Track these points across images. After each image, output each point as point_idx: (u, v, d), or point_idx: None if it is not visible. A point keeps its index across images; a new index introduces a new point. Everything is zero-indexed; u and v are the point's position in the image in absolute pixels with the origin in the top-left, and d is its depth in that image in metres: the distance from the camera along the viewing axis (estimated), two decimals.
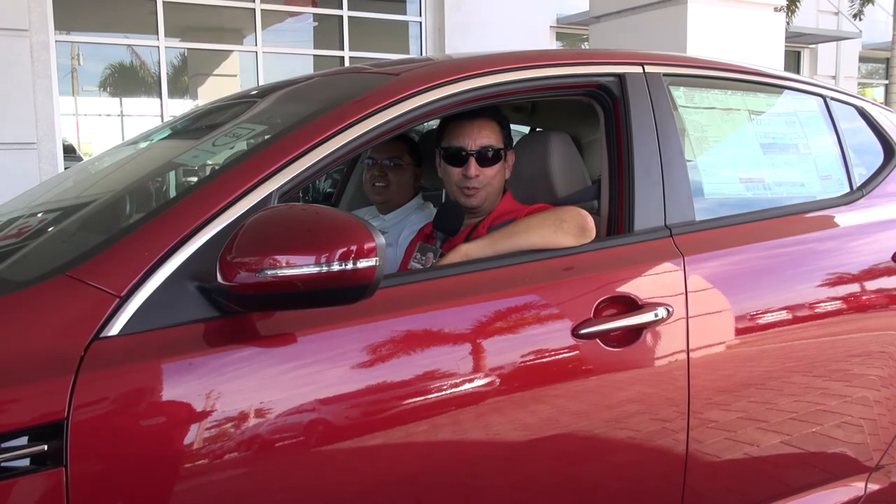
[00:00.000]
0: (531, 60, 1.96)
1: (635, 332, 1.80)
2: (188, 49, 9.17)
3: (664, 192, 1.98)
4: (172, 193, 1.60)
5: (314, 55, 9.36)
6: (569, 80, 2.01)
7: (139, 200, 1.65)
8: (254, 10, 8.61)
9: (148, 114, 9.01)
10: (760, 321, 2.01)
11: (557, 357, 1.72)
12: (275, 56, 8.75)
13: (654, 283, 1.89)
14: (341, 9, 8.85)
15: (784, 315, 2.05)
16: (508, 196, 2.21)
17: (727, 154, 2.20)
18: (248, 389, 1.42)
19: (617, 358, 1.78)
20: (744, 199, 2.17)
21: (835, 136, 2.41)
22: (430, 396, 1.57)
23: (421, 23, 8.99)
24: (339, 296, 1.38)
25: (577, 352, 1.73)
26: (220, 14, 8.94)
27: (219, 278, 1.36)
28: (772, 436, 2.04)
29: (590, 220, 1.87)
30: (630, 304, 1.81)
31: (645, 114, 2.02)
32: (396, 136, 2.63)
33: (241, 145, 1.66)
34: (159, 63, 8.60)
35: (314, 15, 9.22)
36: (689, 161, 2.07)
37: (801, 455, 2.11)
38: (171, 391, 1.37)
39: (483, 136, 2.12)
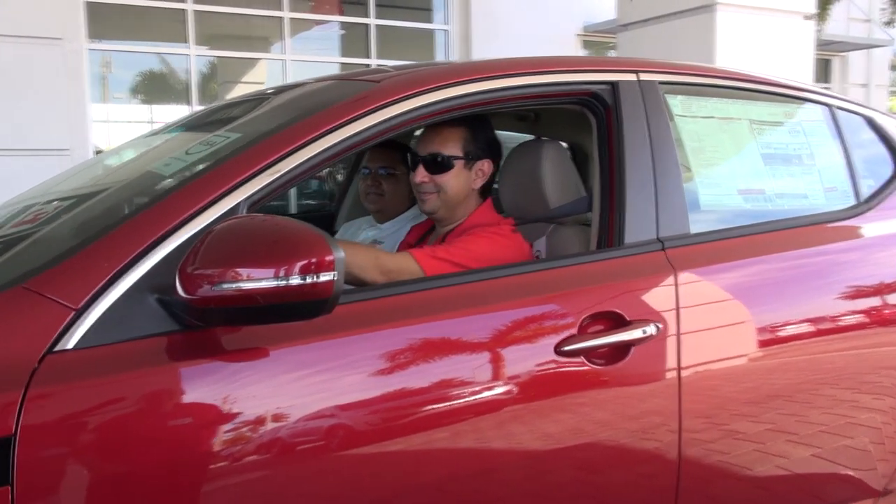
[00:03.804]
0: (519, 68, 1.92)
1: (622, 350, 1.74)
2: (217, 57, 9.24)
3: (657, 204, 1.92)
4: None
5: (341, 63, 9.38)
6: (559, 89, 1.97)
7: (107, 210, 1.63)
8: (282, 18, 8.66)
9: None
10: (757, 338, 1.95)
11: (539, 374, 1.67)
12: (302, 64, 8.78)
13: (644, 298, 1.83)
14: (368, 17, 8.88)
15: (782, 332, 1.99)
16: (486, 206, 2.18)
17: (725, 164, 2.13)
18: (210, 405, 1.39)
19: (603, 376, 1.72)
20: (743, 212, 2.10)
21: (841, 147, 2.33)
22: (394, 418, 1.53)
23: (447, 31, 8.99)
24: (298, 311, 1.34)
25: (560, 369, 1.67)
26: (249, 22, 8.99)
27: (178, 291, 1.33)
28: (768, 457, 1.97)
29: (403, 277, 1.89)
30: (617, 321, 1.75)
31: (638, 123, 1.97)
32: (390, 145, 2.61)
33: (214, 154, 1.64)
34: (189, 71, 8.68)
35: (341, 23, 9.25)
36: (685, 172, 2.02)
37: (793, 479, 2.03)
38: (128, 407, 1.34)
39: (436, 143, 2.12)
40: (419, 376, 1.56)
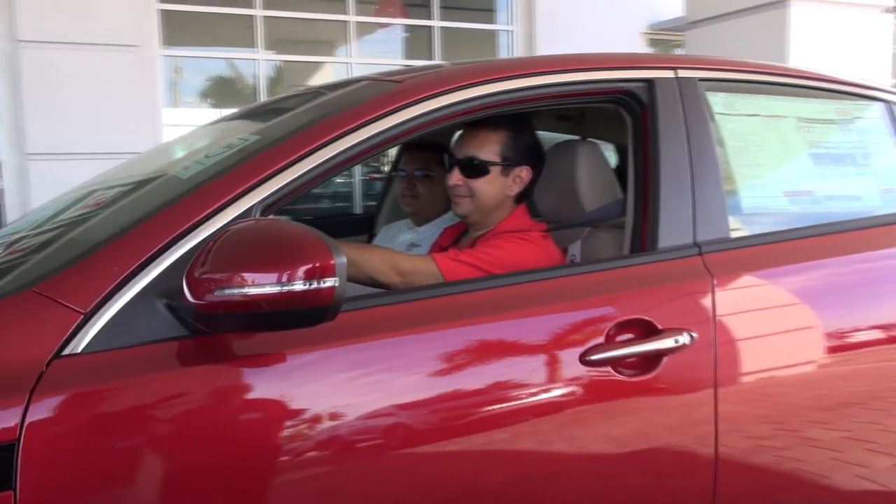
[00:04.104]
0: (547, 66, 1.86)
1: (653, 360, 1.67)
2: (284, 61, 9.34)
3: (694, 207, 1.84)
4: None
5: (405, 65, 9.40)
6: (591, 87, 1.90)
7: (120, 214, 1.63)
8: (347, 22, 8.71)
9: None
10: (799, 349, 1.85)
11: (563, 384, 1.60)
12: (367, 67, 8.81)
13: (678, 305, 1.75)
14: (431, 19, 8.86)
15: (826, 343, 1.88)
16: (520, 212, 2.11)
17: (770, 165, 2.04)
18: (222, 413, 1.38)
19: (632, 387, 1.65)
20: (789, 215, 2.01)
21: None
22: (418, 425, 1.49)
23: (511, 31, 8.92)
24: (300, 318, 1.31)
25: (585, 379, 1.61)
26: (315, 27, 9.07)
27: (186, 296, 1.32)
28: (813, 475, 1.86)
29: (424, 282, 1.85)
30: (648, 329, 1.68)
31: (675, 122, 1.89)
32: (426, 146, 2.58)
33: (230, 157, 1.62)
34: (257, 75, 8.79)
35: (405, 26, 9.26)
36: (726, 173, 1.93)
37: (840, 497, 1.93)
38: (135, 412, 1.33)
39: (473, 146, 2.06)
40: (426, 386, 1.52)
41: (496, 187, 2.08)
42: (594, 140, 2.24)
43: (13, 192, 7.15)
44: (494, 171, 2.06)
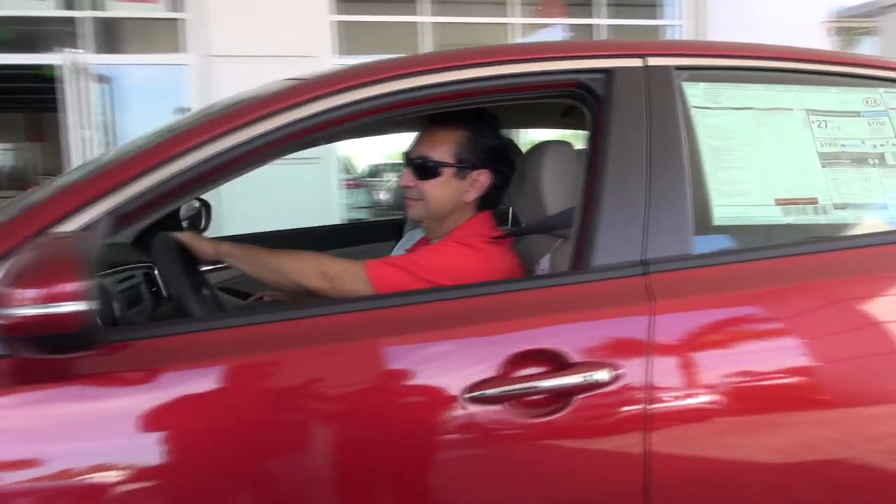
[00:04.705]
0: (484, 57, 1.66)
1: (561, 399, 1.44)
2: None
3: (646, 218, 1.58)
4: None
5: None
6: (536, 80, 1.68)
7: None
8: (510, 24, 8.61)
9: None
10: (765, 399, 1.54)
11: (441, 422, 1.41)
12: None
13: (599, 335, 1.50)
14: (594, 17, 8.57)
15: (808, 394, 1.56)
16: (480, 220, 1.92)
17: (760, 168, 1.72)
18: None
19: (532, 429, 1.43)
20: (781, 227, 1.69)
21: None
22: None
23: (679, 26, 8.45)
24: (52, 343, 1.22)
25: (469, 418, 1.40)
26: (479, 31, 9.03)
27: None
28: None
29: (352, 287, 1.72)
30: (557, 362, 1.45)
31: (632, 118, 1.65)
32: None
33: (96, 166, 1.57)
34: None
35: (568, 25, 9.02)
36: (698, 177, 1.66)
37: None
38: None
39: (427, 146, 1.89)
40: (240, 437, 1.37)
41: (449, 191, 1.91)
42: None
43: None
44: (447, 173, 1.90)
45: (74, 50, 7.47)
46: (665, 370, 1.48)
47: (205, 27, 7.49)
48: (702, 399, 1.50)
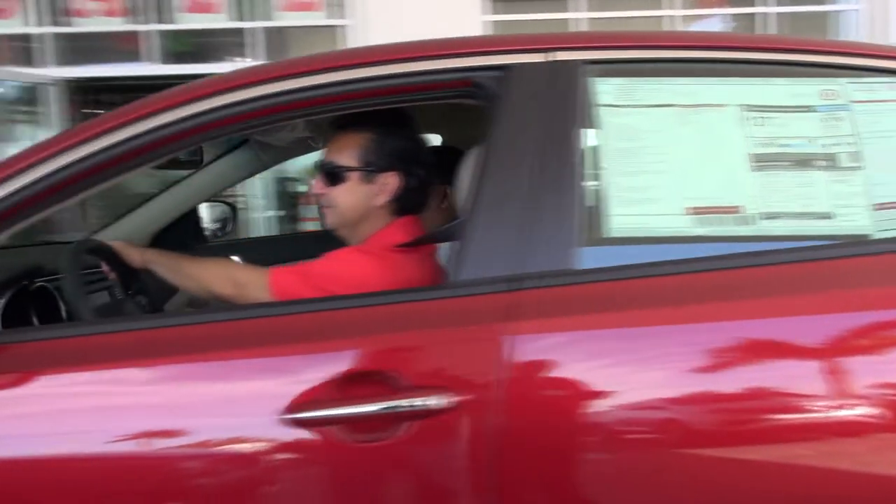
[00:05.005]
0: (365, 57, 1.59)
1: (391, 424, 1.35)
2: None
3: (524, 228, 1.46)
4: None
5: None
6: (428, 79, 1.58)
7: None
8: (668, 17, 8.25)
9: None
10: (635, 435, 1.37)
11: (257, 446, 1.36)
12: None
13: (441, 357, 1.39)
14: (756, 6, 8.02)
15: (711, 427, 1.37)
16: (396, 227, 1.84)
17: (674, 172, 1.53)
18: None
19: (359, 454, 1.35)
20: (694, 239, 1.49)
21: None
22: None
23: (855, 11, 7.71)
24: None
25: (289, 440, 1.35)
26: (636, 25, 8.71)
27: None
28: None
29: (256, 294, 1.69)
30: (390, 385, 1.36)
31: (525, 117, 1.53)
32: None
33: None
34: None
35: (729, 15, 8.49)
36: (597, 183, 1.51)
37: None
38: None
39: (334, 150, 1.84)
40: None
41: (357, 196, 1.83)
42: None
43: None
44: (354, 177, 1.83)
45: (243, 59, 7.96)
46: (517, 399, 1.35)
47: (364, 32, 7.71)
48: (556, 433, 1.35)
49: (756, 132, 1.55)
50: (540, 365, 1.37)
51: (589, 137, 1.52)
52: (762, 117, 1.56)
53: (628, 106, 1.56)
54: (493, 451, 1.34)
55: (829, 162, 1.54)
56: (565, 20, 8.53)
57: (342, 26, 8.16)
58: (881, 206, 1.51)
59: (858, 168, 1.54)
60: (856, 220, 1.51)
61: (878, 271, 1.45)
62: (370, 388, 1.36)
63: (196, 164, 2.31)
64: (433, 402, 1.33)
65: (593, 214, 1.48)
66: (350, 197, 1.83)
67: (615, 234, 1.48)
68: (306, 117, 1.73)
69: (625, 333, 1.40)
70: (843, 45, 1.64)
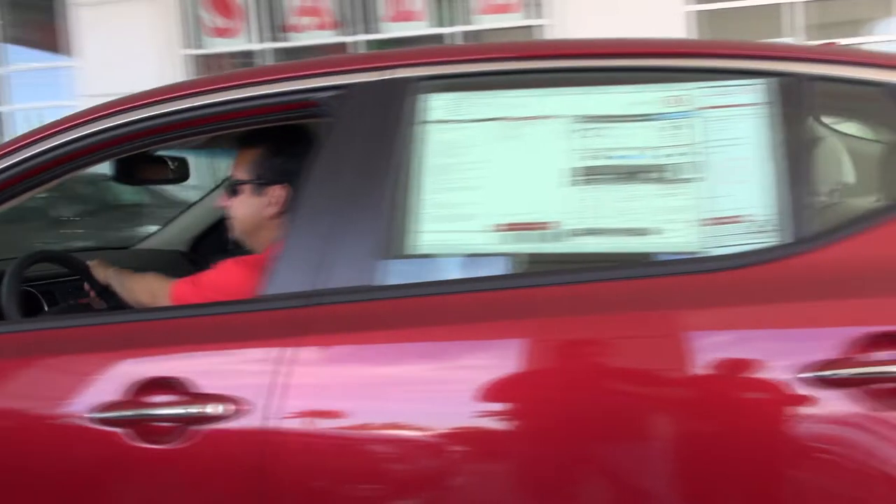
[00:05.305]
0: (210, 84, 1.65)
1: (176, 428, 1.42)
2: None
3: (326, 245, 1.48)
4: None
5: None
6: (273, 101, 1.61)
7: None
8: None
9: None
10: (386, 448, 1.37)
11: (71, 444, 1.48)
12: None
13: (225, 368, 1.46)
14: None
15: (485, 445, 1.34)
16: None
17: (489, 188, 1.46)
18: None
19: (149, 456, 1.43)
20: (501, 256, 1.43)
21: (791, 145, 1.36)
22: None
23: None
24: None
25: (93, 439, 1.46)
26: (855, 6, 7.98)
27: None
28: None
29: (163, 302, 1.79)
30: (180, 391, 1.43)
31: (346, 137, 1.53)
32: None
33: None
34: None
35: None
36: (410, 200, 1.48)
37: None
38: None
39: (235, 166, 1.96)
40: None
41: (250, 208, 1.92)
42: None
43: None
44: (246, 190, 1.92)
45: None
46: (293, 410, 1.38)
47: (563, 31, 7.66)
48: (327, 447, 1.37)
49: (583, 144, 1.44)
50: (319, 377, 1.41)
51: (413, 154, 1.50)
52: (595, 128, 1.44)
53: (458, 121, 1.50)
54: (263, 456, 1.38)
55: (660, 174, 1.40)
56: (775, 5, 7.97)
57: (540, 26, 8.15)
58: (718, 221, 1.36)
59: (694, 180, 1.38)
60: (682, 236, 1.36)
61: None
62: (169, 395, 1.44)
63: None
64: (213, 409, 1.39)
65: (403, 230, 1.46)
66: (244, 208, 1.94)
67: (424, 250, 1.45)
68: (156, 145, 1.84)
69: (403, 349, 1.39)
70: (697, 45, 1.49)
